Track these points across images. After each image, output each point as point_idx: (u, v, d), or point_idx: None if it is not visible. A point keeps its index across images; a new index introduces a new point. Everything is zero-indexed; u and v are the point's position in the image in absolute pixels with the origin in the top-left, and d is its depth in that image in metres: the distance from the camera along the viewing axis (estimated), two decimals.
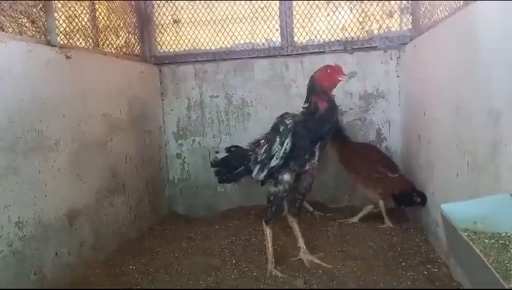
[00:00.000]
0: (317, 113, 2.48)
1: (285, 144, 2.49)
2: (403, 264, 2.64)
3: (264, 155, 2.63)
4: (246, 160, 2.86)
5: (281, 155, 2.52)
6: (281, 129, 2.52)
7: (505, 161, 1.68)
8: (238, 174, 2.94)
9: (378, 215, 3.68)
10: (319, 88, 2.49)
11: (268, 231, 2.69)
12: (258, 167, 2.67)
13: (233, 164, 2.98)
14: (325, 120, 2.48)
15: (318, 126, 2.49)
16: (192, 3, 4.06)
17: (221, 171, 3.05)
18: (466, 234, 1.30)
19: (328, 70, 2.51)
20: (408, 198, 3.26)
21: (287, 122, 2.51)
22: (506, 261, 1.20)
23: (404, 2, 3.71)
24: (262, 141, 2.76)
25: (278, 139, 2.53)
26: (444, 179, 2.50)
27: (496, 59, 1.74)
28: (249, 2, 3.97)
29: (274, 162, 2.55)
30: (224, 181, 3.06)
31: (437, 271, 2.50)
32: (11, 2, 2.45)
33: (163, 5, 4.11)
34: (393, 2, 3.74)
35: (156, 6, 4.12)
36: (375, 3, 3.76)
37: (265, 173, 2.63)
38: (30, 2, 2.59)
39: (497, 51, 1.72)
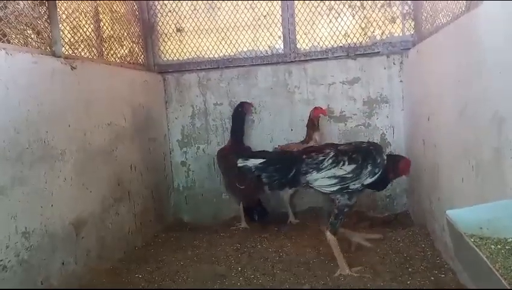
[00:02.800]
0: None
1: (376, 175, 2.62)
2: (410, 270, 2.62)
3: (350, 175, 2.62)
4: (299, 162, 2.73)
5: (366, 182, 2.63)
6: (378, 160, 2.64)
7: (510, 165, 1.67)
8: (293, 179, 2.74)
9: (385, 222, 3.68)
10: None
11: (334, 239, 2.68)
12: (334, 181, 2.64)
13: (286, 167, 2.77)
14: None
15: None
16: (195, 12, 4.09)
17: (273, 177, 2.78)
18: (472, 239, 1.29)
19: None
20: (250, 211, 3.71)
21: (384, 157, 2.67)
22: None
23: (406, 7, 3.72)
24: (333, 155, 2.69)
25: (369, 167, 2.62)
26: (449, 184, 2.49)
27: (498, 63, 1.74)
28: (251, 9, 3.99)
29: (355, 186, 2.63)
30: (276, 187, 2.85)
31: (443, 277, 2.48)
32: (17, 14, 2.48)
33: (167, 14, 4.14)
34: (395, 7, 3.75)
35: (159, 15, 4.15)
36: (377, 9, 3.77)
37: (337, 188, 2.64)
38: (35, 13, 2.62)
39: (500, 56, 1.72)
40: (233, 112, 3.89)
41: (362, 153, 2.68)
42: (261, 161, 2.73)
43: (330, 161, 2.66)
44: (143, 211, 3.59)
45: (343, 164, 2.64)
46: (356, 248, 2.93)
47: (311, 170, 2.67)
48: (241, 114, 3.83)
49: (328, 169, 2.64)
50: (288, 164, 2.73)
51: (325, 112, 3.65)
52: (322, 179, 2.65)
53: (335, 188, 2.64)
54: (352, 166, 2.63)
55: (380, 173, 2.63)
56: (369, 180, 2.63)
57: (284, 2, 3.89)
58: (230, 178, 3.74)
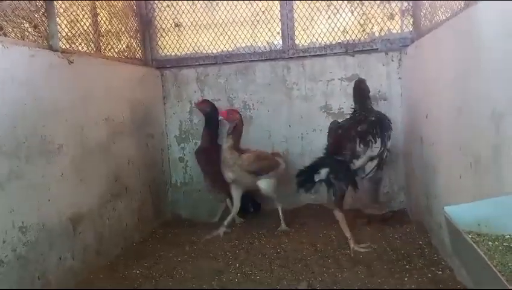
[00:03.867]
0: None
1: (390, 138, 2.91)
2: (407, 267, 2.62)
3: (381, 147, 2.88)
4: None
5: (388, 146, 2.90)
6: (389, 125, 2.95)
7: (508, 162, 1.67)
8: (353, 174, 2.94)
9: (382, 219, 3.67)
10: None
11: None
12: (376, 162, 2.88)
13: (344, 167, 2.92)
14: None
15: None
16: (193, 7, 4.07)
17: (346, 181, 2.95)
18: (470, 236, 1.29)
19: None
20: (244, 206, 3.64)
21: (389, 119, 2.99)
22: (510, 264, 1.19)
23: (405, 4, 3.71)
24: (360, 138, 2.87)
25: (386, 134, 2.90)
26: (447, 180, 2.49)
27: (497, 60, 1.73)
28: (249, 5, 3.97)
29: (384, 154, 2.89)
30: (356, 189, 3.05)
31: (441, 274, 2.49)
32: (14, 7, 2.46)
33: (165, 9, 4.12)
34: (394, 4, 3.74)
35: (157, 10, 4.13)
36: (376, 5, 3.76)
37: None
38: (32, 7, 2.60)
39: (499, 53, 1.72)
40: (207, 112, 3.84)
41: (377, 125, 2.92)
42: (327, 169, 2.86)
43: (361, 145, 2.84)
44: (140, 207, 3.58)
45: (373, 144, 2.85)
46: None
47: (352, 159, 2.86)
48: (212, 113, 3.81)
49: (364, 152, 2.84)
50: (343, 164, 2.89)
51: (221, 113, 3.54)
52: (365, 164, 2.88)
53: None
54: (378, 140, 2.87)
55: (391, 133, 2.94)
56: (389, 144, 2.92)
57: None
58: (215, 175, 3.62)
